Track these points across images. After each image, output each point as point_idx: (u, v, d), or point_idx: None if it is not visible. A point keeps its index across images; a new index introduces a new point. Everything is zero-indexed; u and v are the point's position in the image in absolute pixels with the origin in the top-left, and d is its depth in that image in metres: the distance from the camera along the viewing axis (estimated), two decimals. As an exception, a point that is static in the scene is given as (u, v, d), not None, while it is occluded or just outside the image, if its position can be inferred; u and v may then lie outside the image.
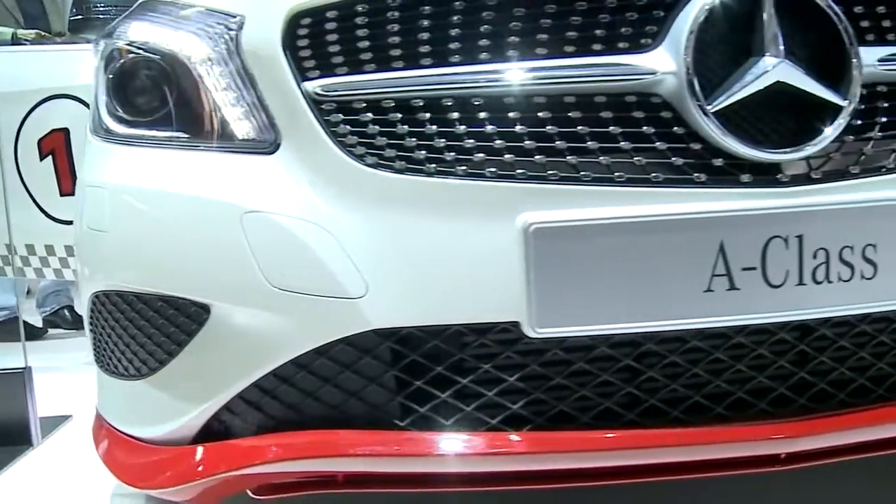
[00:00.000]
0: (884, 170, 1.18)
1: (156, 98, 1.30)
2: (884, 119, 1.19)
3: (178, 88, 1.27)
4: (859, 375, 1.20)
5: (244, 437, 1.20)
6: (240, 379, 1.19)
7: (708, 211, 1.11)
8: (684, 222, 1.11)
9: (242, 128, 1.21)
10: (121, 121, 1.34)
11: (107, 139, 1.36)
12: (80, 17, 2.17)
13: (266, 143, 1.20)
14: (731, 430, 1.15)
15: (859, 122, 1.17)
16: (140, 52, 1.31)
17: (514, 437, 1.13)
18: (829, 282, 1.13)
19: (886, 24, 1.20)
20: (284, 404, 1.19)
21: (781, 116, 1.15)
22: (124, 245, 1.29)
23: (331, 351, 1.15)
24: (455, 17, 1.14)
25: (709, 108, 1.11)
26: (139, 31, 1.34)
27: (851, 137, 1.17)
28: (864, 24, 1.19)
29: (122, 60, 1.33)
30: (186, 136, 1.26)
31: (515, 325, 1.12)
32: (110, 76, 1.35)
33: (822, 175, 1.15)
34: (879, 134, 1.19)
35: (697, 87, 1.11)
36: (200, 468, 1.19)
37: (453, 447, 1.13)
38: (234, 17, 1.24)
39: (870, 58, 1.17)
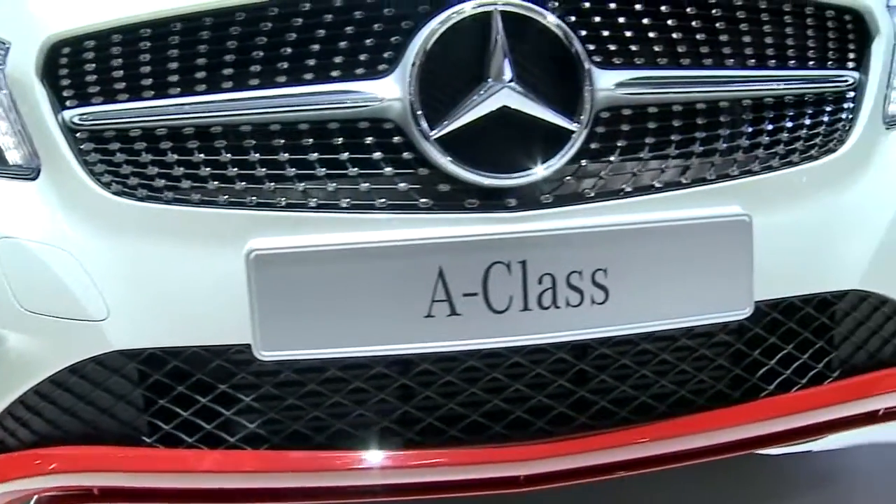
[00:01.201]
0: (621, 193, 1.18)
1: None
2: (623, 143, 1.19)
3: None
4: (601, 398, 1.21)
5: (7, 453, 1.26)
6: (4, 396, 1.24)
7: (427, 237, 1.13)
8: (404, 248, 1.13)
9: (13, 154, 1.26)
10: None
11: None
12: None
13: (30, 170, 1.24)
14: (463, 452, 1.16)
15: (597, 145, 1.18)
16: None
17: (245, 455, 1.17)
18: (557, 307, 1.14)
19: (626, 47, 1.20)
20: (48, 421, 1.23)
21: (515, 141, 1.16)
22: None
23: (83, 370, 1.20)
24: (201, 48, 1.17)
25: (431, 133, 1.13)
26: None
27: (587, 161, 1.18)
28: (604, 47, 1.19)
29: None
30: None
31: (249, 347, 1.15)
32: None
33: (554, 200, 1.16)
34: (618, 158, 1.19)
35: (420, 114, 1.13)
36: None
37: (190, 464, 1.17)
38: (4, 44, 1.28)
39: (607, 82, 1.17)
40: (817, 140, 1.29)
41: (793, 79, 1.29)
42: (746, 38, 1.27)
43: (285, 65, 1.16)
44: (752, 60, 1.27)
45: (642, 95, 1.20)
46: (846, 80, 1.32)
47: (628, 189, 1.18)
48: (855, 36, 1.34)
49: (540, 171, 1.14)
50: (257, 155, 1.15)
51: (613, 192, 1.18)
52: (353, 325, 1.13)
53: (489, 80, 1.13)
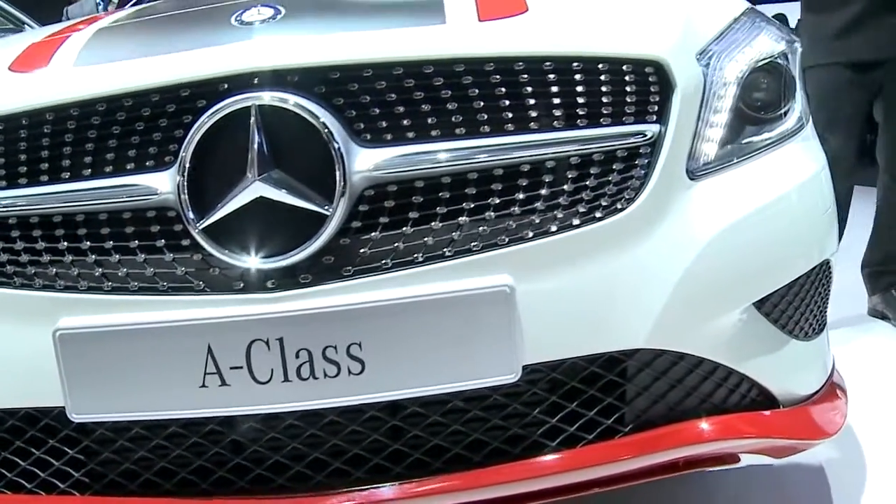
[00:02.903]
0: (381, 269, 1.25)
1: None
2: (387, 219, 1.25)
3: None
4: (376, 455, 1.30)
5: None
6: None
7: (198, 317, 1.25)
8: (180, 328, 1.25)
9: None
10: None
11: None
12: None
13: None
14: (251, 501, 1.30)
15: (359, 223, 1.25)
16: None
17: (72, 500, 1.34)
18: (315, 378, 1.24)
19: (391, 125, 1.26)
20: None
21: (277, 227, 1.25)
22: None
23: None
24: (21, 145, 1.33)
25: (199, 224, 1.24)
26: None
27: (347, 240, 1.25)
28: (367, 128, 1.26)
29: None
30: None
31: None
32: None
33: (311, 279, 1.25)
34: (379, 235, 1.25)
35: (188, 205, 1.24)
36: None
37: (27, 505, 1.37)
38: None
39: (364, 163, 1.24)
40: (602, 201, 1.28)
41: (580, 139, 1.28)
42: (530, 101, 1.28)
43: (90, 159, 1.31)
44: (535, 124, 1.28)
45: (406, 172, 1.25)
46: (644, 135, 1.30)
47: (388, 264, 1.25)
48: (658, 88, 1.33)
49: (295, 255, 1.23)
50: (65, 243, 1.31)
51: (373, 268, 1.25)
52: (144, 394, 1.27)
53: (247, 172, 1.23)
